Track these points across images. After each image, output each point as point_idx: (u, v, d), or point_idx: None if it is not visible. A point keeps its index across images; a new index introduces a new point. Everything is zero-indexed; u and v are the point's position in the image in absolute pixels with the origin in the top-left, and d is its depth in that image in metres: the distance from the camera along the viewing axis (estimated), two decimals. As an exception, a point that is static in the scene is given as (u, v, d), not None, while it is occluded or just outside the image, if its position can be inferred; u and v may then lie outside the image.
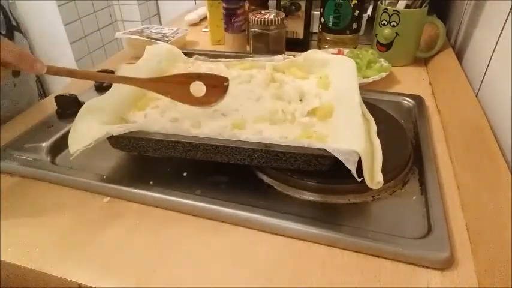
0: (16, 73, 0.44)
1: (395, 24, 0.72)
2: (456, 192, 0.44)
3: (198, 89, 0.47)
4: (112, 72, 0.67)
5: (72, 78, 0.52)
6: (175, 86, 0.47)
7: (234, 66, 0.61)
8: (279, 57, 0.61)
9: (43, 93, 1.51)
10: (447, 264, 0.35)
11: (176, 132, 0.42)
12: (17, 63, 0.41)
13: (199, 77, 0.47)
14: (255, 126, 0.46)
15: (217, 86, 0.47)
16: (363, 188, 0.40)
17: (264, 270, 0.36)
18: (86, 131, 0.42)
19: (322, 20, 0.80)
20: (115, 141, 0.44)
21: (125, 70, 0.55)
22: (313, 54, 0.59)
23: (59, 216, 0.42)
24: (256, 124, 0.47)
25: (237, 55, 0.73)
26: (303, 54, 0.59)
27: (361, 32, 0.83)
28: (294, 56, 0.60)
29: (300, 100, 0.51)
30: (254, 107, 0.50)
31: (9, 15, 0.62)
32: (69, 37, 1.52)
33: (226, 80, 0.47)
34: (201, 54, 0.66)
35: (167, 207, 0.43)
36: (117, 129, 0.42)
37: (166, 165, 0.48)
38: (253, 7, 0.84)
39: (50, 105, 0.60)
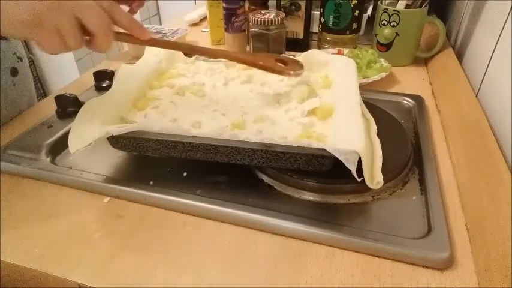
0: (15, 72, 0.44)
1: (395, 24, 0.72)
2: (456, 192, 0.44)
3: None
4: (112, 72, 0.67)
5: (73, 79, 0.52)
6: (262, 58, 0.52)
7: (234, 66, 0.61)
8: (279, 57, 0.60)
9: (43, 93, 1.51)
10: (447, 264, 0.35)
11: (176, 132, 0.42)
12: (130, 27, 0.42)
13: (278, 57, 0.52)
14: (255, 126, 0.46)
15: (296, 63, 0.52)
16: (363, 188, 0.40)
17: (264, 270, 0.36)
18: (86, 131, 0.42)
19: (322, 20, 0.80)
20: (115, 141, 0.44)
21: (125, 70, 0.55)
22: (313, 54, 0.59)
23: (58, 216, 0.42)
24: (256, 124, 0.47)
25: (237, 55, 0.73)
26: (303, 54, 0.59)
27: (361, 32, 0.83)
28: (294, 56, 0.60)
29: (301, 100, 0.51)
30: (254, 106, 0.50)
31: None
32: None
33: (299, 62, 0.53)
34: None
35: (167, 207, 0.43)
36: (117, 129, 0.42)
37: (166, 165, 0.48)
38: (253, 7, 0.84)
39: (50, 105, 0.60)
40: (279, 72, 0.50)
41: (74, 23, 0.37)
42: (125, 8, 0.57)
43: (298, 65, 0.52)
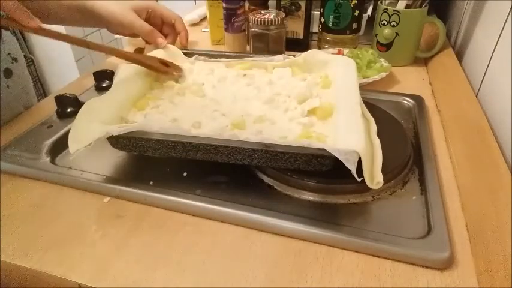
0: (8, 73, 0.45)
1: (395, 24, 0.72)
2: (456, 192, 0.44)
3: None
4: (112, 72, 0.67)
5: (73, 79, 0.52)
6: (149, 58, 0.57)
7: (234, 66, 0.61)
8: (279, 57, 0.61)
9: (43, 93, 1.51)
10: (447, 264, 0.35)
11: (176, 132, 0.42)
12: (12, 13, 0.43)
13: (162, 61, 0.58)
14: (255, 126, 0.46)
15: (178, 67, 0.59)
16: (363, 188, 0.40)
17: (264, 270, 0.36)
18: (86, 130, 0.42)
19: (322, 20, 0.80)
20: (115, 141, 0.44)
21: (125, 70, 0.55)
22: (313, 54, 0.59)
23: (58, 216, 0.42)
24: (256, 124, 0.47)
25: (237, 55, 0.73)
26: (303, 54, 0.59)
27: (361, 32, 0.83)
28: (294, 56, 0.60)
29: (301, 100, 0.51)
30: (254, 106, 0.50)
31: None
32: (69, 37, 1.52)
33: (181, 68, 0.59)
34: (201, 54, 0.66)
35: (167, 207, 0.43)
36: (117, 129, 0.42)
37: (166, 165, 0.48)
38: (253, 7, 0.84)
39: (50, 105, 0.60)
40: (164, 72, 0.57)
41: None
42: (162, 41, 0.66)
43: (179, 68, 0.59)
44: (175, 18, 0.71)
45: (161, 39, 0.65)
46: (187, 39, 0.74)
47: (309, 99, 0.50)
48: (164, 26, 0.72)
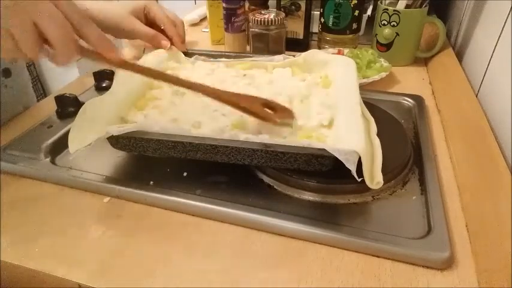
0: (7, 73, 0.43)
1: (395, 24, 0.72)
2: (456, 192, 0.44)
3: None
4: (112, 72, 0.67)
5: (73, 79, 0.52)
6: (247, 100, 0.46)
7: (234, 66, 0.61)
8: (279, 57, 0.61)
9: (43, 93, 1.51)
10: (447, 264, 0.35)
11: (176, 132, 0.42)
12: (98, 44, 0.38)
13: (265, 102, 0.46)
14: (254, 126, 0.46)
15: (285, 111, 0.46)
16: (363, 188, 0.40)
17: (264, 270, 0.36)
18: (86, 130, 0.42)
19: (322, 20, 0.80)
20: (115, 141, 0.44)
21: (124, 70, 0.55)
22: (312, 54, 0.59)
23: (58, 216, 0.42)
24: (256, 124, 0.47)
25: (237, 55, 0.73)
26: (303, 54, 0.59)
27: (361, 32, 0.83)
28: (294, 56, 0.60)
29: (301, 100, 0.51)
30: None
31: None
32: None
33: (290, 109, 0.46)
34: (201, 54, 0.66)
35: (167, 207, 0.43)
36: (117, 129, 0.42)
37: (166, 165, 0.48)
38: (253, 7, 0.84)
39: (50, 105, 0.60)
40: (264, 119, 0.45)
41: (28, 27, 0.33)
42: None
43: (288, 113, 0.46)
44: (165, 23, 0.65)
45: (165, 42, 0.63)
46: (181, 44, 0.67)
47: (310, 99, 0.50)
48: (166, 26, 0.70)
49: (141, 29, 0.63)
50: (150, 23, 0.65)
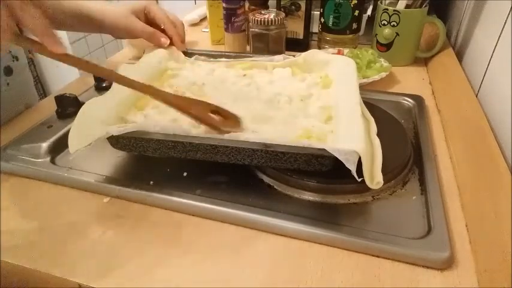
0: (9, 71, 0.43)
1: (395, 24, 0.72)
2: (456, 192, 0.44)
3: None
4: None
5: (73, 79, 0.52)
6: (196, 106, 0.46)
7: (234, 66, 0.61)
8: (278, 57, 0.61)
9: (43, 93, 1.51)
10: (447, 264, 0.35)
11: (176, 132, 0.42)
12: (41, 35, 0.38)
13: (216, 109, 0.46)
14: (254, 126, 0.46)
15: (234, 119, 0.46)
16: (363, 188, 0.40)
17: (264, 270, 0.36)
18: (86, 131, 0.42)
19: (322, 20, 0.80)
20: (115, 141, 0.44)
21: (125, 69, 0.55)
22: (312, 54, 0.59)
23: (59, 216, 0.42)
24: (256, 124, 0.47)
25: (237, 55, 0.73)
26: (303, 54, 0.59)
27: (361, 32, 0.83)
28: (294, 56, 0.60)
29: (301, 100, 0.51)
30: (254, 106, 0.50)
31: None
32: (69, 37, 1.52)
33: (239, 118, 0.46)
34: (201, 54, 0.66)
35: (167, 207, 0.43)
36: (117, 129, 0.42)
37: (166, 165, 0.48)
38: (253, 7, 0.84)
39: (50, 105, 0.60)
40: (211, 126, 0.45)
41: None
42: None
43: (236, 121, 0.45)
44: (165, 23, 0.65)
45: (164, 39, 0.63)
46: (181, 43, 0.66)
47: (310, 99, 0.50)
48: (166, 26, 0.70)
49: (139, 27, 0.64)
50: (150, 23, 0.66)
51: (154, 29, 0.64)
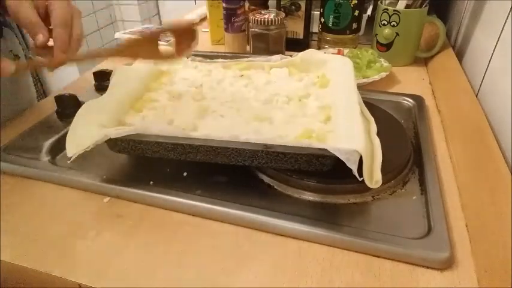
0: None
1: (395, 24, 0.72)
2: (456, 192, 0.44)
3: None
4: (110, 72, 0.67)
5: (73, 79, 0.51)
6: (143, 47, 0.45)
7: (231, 67, 0.61)
8: (276, 57, 0.60)
9: (43, 93, 1.51)
10: (447, 264, 0.35)
11: (175, 134, 0.42)
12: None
13: (163, 30, 0.46)
14: (254, 126, 0.46)
15: (186, 37, 0.45)
16: (363, 188, 0.40)
17: (264, 270, 0.36)
18: (84, 133, 0.42)
19: (322, 20, 0.80)
20: (113, 144, 0.44)
21: (122, 71, 0.55)
22: (310, 54, 0.58)
23: (59, 216, 0.42)
24: (256, 124, 0.46)
25: (237, 55, 0.73)
26: (300, 54, 0.59)
27: (361, 32, 0.83)
28: (291, 56, 0.60)
29: (299, 100, 0.51)
30: (253, 107, 0.50)
31: None
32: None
33: (192, 24, 0.46)
34: (196, 55, 0.65)
35: (167, 207, 0.43)
36: (116, 132, 0.42)
37: (166, 166, 0.48)
38: (253, 7, 0.84)
39: (50, 105, 0.60)
40: (167, 59, 0.45)
41: None
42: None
43: (190, 33, 0.44)
44: (56, 25, 0.44)
45: (41, 36, 0.43)
46: (60, 53, 0.43)
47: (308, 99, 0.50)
48: (54, 24, 0.45)
49: (23, 12, 0.44)
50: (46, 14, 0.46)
51: (38, 20, 0.45)
